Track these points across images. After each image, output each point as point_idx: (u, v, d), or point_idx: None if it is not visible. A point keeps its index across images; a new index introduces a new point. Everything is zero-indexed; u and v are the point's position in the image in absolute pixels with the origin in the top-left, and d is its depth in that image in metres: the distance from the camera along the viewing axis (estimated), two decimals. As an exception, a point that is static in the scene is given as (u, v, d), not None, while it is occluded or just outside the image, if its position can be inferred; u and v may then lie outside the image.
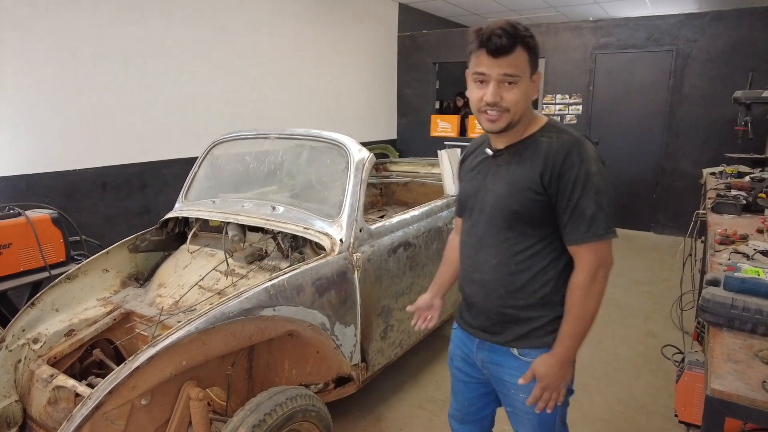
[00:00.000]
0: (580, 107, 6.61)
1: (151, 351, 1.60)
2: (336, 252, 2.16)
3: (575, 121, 6.64)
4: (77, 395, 1.80)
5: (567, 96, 6.68)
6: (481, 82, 1.27)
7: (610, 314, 3.92)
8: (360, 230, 2.28)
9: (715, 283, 1.51)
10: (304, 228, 2.26)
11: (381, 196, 4.40)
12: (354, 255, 2.23)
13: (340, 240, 2.19)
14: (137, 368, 1.57)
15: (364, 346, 2.32)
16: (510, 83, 1.25)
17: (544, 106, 6.85)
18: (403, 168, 4.56)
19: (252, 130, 2.80)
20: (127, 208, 4.32)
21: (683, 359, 2.10)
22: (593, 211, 1.25)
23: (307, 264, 2.06)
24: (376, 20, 7.37)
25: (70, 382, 1.85)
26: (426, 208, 2.85)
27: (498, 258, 1.38)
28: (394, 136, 8.07)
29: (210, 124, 4.84)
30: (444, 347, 3.34)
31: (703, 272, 3.10)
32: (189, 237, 2.67)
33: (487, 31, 1.22)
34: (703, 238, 3.82)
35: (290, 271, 1.98)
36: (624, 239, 6.14)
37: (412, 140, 7.97)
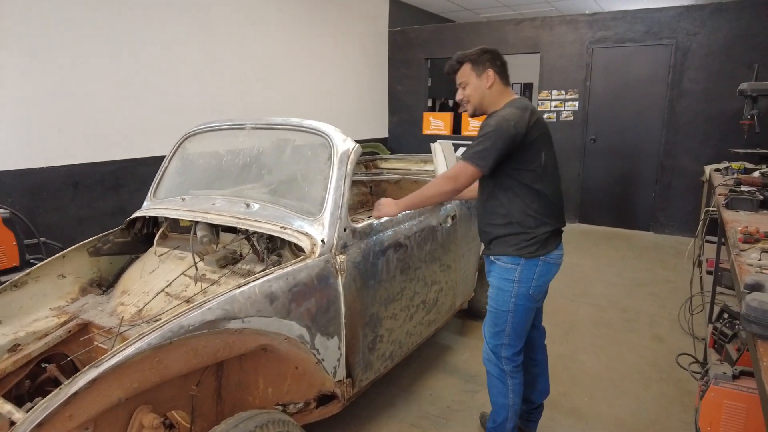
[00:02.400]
0: (576, 103, 6.40)
1: (93, 373, 1.35)
2: (317, 254, 1.92)
3: (572, 118, 6.44)
4: (12, 423, 1.55)
5: (563, 92, 6.48)
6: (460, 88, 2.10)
7: (613, 317, 3.70)
8: (344, 230, 2.03)
9: (757, 287, 1.28)
10: (281, 227, 2.01)
11: (371, 195, 4.15)
12: (337, 257, 1.98)
13: (322, 241, 1.95)
14: (75, 394, 1.32)
15: (350, 359, 2.07)
16: (463, 87, 2.05)
17: (540, 102, 6.64)
18: (394, 165, 4.33)
19: (227, 121, 2.55)
20: (100, 209, 4.06)
21: (707, 371, 1.88)
22: (473, 145, 1.91)
23: (282, 268, 1.81)
24: (367, 15, 7.13)
25: (7, 408, 1.59)
26: (418, 205, 2.60)
27: (480, 193, 2.12)
28: (386, 134, 7.83)
29: (191, 121, 4.50)
30: (438, 357, 3.11)
31: (716, 273, 2.88)
32: (156, 238, 2.42)
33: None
34: (709, 237, 3.62)
35: (262, 276, 1.74)
36: (623, 239, 5.94)
37: (403, 138, 7.73)
